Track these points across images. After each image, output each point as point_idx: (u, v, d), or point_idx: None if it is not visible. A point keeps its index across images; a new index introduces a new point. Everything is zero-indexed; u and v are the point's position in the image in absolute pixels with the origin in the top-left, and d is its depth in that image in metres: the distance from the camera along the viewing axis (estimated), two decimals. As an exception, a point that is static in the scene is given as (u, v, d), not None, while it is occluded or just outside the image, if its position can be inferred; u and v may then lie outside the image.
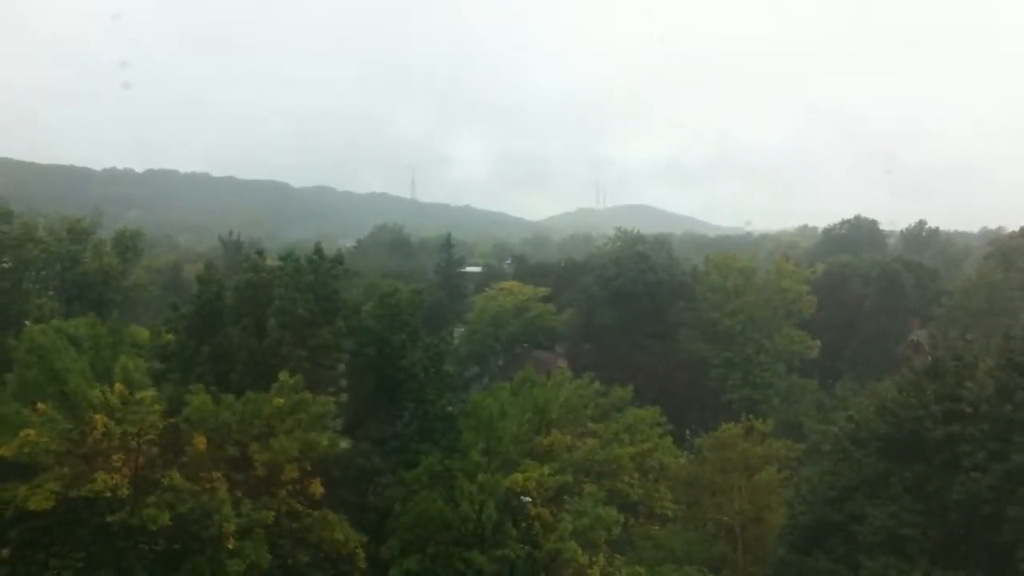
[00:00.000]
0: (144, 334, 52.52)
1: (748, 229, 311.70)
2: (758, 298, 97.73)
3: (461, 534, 39.82)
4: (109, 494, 35.18)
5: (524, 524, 40.23)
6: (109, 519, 35.50)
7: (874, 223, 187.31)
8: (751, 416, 59.51)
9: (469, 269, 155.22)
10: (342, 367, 46.90)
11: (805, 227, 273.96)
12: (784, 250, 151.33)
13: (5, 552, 36.16)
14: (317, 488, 38.72)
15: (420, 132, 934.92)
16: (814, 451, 57.22)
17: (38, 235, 70.96)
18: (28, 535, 36.23)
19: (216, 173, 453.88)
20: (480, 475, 39.79)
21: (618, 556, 42.44)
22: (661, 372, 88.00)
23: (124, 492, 35.50)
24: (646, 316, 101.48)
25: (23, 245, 68.44)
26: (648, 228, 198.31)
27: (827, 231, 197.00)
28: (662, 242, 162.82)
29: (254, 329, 46.75)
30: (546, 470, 40.80)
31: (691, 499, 54.27)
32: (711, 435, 57.48)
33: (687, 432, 72.60)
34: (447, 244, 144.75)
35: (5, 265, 68.56)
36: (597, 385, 50.82)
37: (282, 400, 39.71)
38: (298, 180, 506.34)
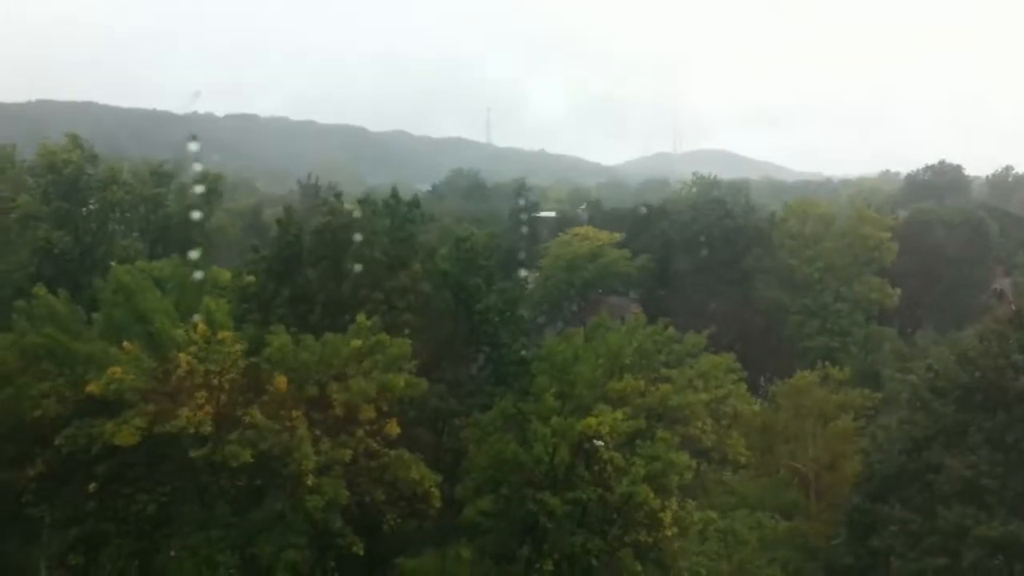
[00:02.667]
0: (226, 276, 53.48)
1: (828, 174, 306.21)
2: (837, 245, 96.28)
3: (534, 476, 40.20)
4: (192, 431, 36.09)
5: (596, 467, 40.44)
6: (192, 455, 36.45)
7: (959, 168, 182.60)
8: (827, 364, 59.05)
9: (544, 214, 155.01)
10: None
11: (887, 172, 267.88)
12: (865, 196, 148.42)
13: (93, 486, 37.34)
14: (393, 428, 39.28)
15: (497, 76, 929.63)
16: (892, 400, 56.64)
17: (123, 178, 72.41)
18: (115, 470, 37.43)
19: (295, 117, 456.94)
20: (553, 418, 40.06)
21: (690, 501, 42.58)
22: (736, 319, 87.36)
23: (207, 429, 36.38)
24: (722, 263, 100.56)
25: (108, 187, 69.85)
26: (726, 174, 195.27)
27: (910, 177, 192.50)
28: (739, 188, 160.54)
29: (332, 272, 47.39)
30: (619, 415, 40.86)
31: (764, 446, 54.22)
32: (786, 382, 57.21)
33: (762, 379, 72.26)
34: (522, 189, 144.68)
35: (91, 207, 70.13)
36: (671, 331, 50.66)
37: (360, 342, 40.24)
38: (376, 124, 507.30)
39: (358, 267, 46.70)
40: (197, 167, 77.07)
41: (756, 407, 53.94)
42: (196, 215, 72.32)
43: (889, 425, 48.56)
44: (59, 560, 39.01)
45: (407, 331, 44.11)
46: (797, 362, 72.46)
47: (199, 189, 74.95)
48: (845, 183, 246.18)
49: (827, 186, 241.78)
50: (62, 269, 63.19)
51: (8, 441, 41.04)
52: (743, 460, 47.83)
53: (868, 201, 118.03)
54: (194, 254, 52.46)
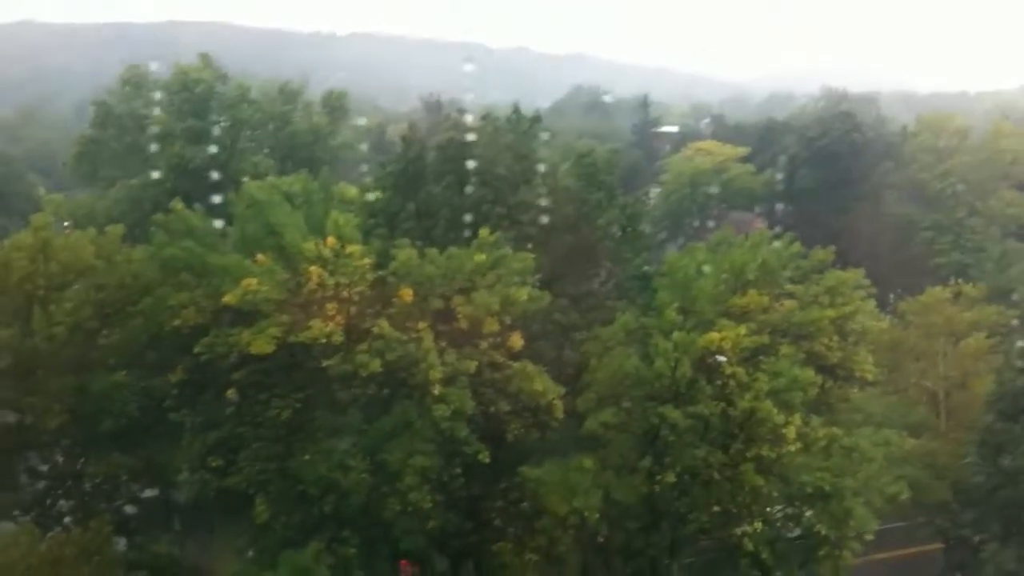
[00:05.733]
0: (352, 191, 54.38)
1: (963, 87, 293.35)
2: (973, 159, 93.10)
3: (655, 390, 40.33)
4: (324, 341, 37.28)
5: (719, 383, 40.30)
6: (324, 364, 37.77)
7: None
8: (960, 281, 57.52)
9: (666, 130, 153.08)
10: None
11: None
12: (1002, 109, 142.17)
13: (231, 392, 39.20)
14: (517, 341, 39.81)
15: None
16: (1029, 318, 55.08)
17: (251, 96, 73.68)
18: (251, 377, 39.11)
19: (415, 35, 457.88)
20: (675, 333, 39.98)
21: (815, 417, 42.23)
22: (865, 235, 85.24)
23: (338, 339, 37.53)
24: (850, 178, 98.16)
25: (238, 105, 71.30)
26: (855, 87, 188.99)
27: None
28: (870, 101, 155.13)
29: (455, 187, 47.81)
30: (742, 330, 40.52)
31: (892, 364, 53.28)
32: (916, 299, 56.03)
33: (891, 296, 70.71)
34: (644, 105, 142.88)
35: (222, 124, 71.61)
36: (797, 247, 49.64)
37: (483, 256, 40.77)
38: (496, 41, 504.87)
39: (480, 183, 46.97)
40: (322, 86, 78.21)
41: (884, 324, 52.77)
42: (322, 132, 73.64)
43: (1024, 343, 47.35)
44: (200, 462, 40.87)
45: (529, 246, 44.46)
46: (928, 279, 70.59)
47: (325, 107, 76.23)
48: (981, 96, 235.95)
49: (962, 99, 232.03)
50: (196, 184, 64.98)
51: (150, 349, 43.26)
52: (870, 377, 46.90)
53: (1006, 114, 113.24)
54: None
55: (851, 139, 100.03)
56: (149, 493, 48.83)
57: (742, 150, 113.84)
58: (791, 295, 46.59)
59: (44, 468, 45.25)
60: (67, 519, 44.17)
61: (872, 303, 49.15)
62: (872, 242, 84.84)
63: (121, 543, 43.85)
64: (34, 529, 40.19)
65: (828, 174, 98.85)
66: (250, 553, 41.30)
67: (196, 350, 39.04)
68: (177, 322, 40.47)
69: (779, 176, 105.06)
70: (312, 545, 37.30)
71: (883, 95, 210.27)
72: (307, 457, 38.38)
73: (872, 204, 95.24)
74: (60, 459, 45.29)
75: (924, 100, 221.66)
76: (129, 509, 46.21)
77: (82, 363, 42.69)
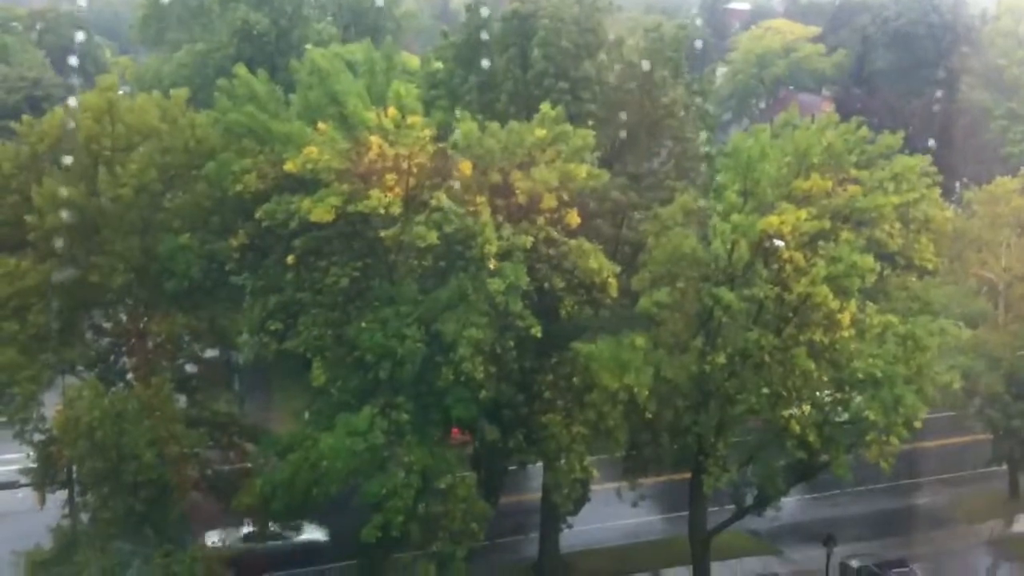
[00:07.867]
0: (415, 62, 54.03)
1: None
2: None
3: (711, 271, 40.23)
4: (383, 211, 37.48)
5: (775, 266, 40.11)
6: (382, 234, 38.14)
7: None
8: (1030, 171, 56.35)
9: (736, 6, 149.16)
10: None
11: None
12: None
13: (291, 258, 39.75)
14: (574, 218, 39.74)
15: None
16: (1097, 211, 53.93)
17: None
18: (311, 244, 39.56)
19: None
20: (734, 215, 39.59)
21: (871, 304, 41.98)
22: (936, 121, 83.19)
23: (396, 210, 37.73)
24: (925, 61, 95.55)
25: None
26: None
27: None
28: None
29: (518, 60, 47.20)
30: (803, 214, 40.01)
31: (954, 254, 52.69)
32: (983, 189, 55.04)
33: (957, 185, 69.38)
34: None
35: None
36: (864, 131, 48.53)
37: (544, 131, 40.44)
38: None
39: (544, 56, 46.25)
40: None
41: (949, 213, 51.92)
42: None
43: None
44: (260, 325, 41.68)
45: (591, 122, 43.98)
46: (997, 168, 69.09)
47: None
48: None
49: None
50: (260, 50, 64.97)
51: (213, 213, 43.83)
52: (931, 266, 46.41)
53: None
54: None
55: (928, 21, 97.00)
56: (210, 353, 50.03)
57: (813, 29, 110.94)
58: (855, 180, 45.84)
59: (108, 325, 46.46)
60: (129, 375, 45.55)
61: (937, 191, 48.33)
62: (943, 128, 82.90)
63: (181, 400, 45.16)
64: (98, 384, 41.51)
65: (902, 56, 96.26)
66: (306, 415, 42.49)
67: (257, 216, 39.50)
68: (239, 187, 40.86)
69: (851, 57, 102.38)
70: (366, 409, 38.27)
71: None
72: (364, 324, 38.92)
73: (946, 89, 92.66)
74: (124, 317, 46.43)
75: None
76: (190, 368, 47.35)
77: (147, 224, 43.39)
